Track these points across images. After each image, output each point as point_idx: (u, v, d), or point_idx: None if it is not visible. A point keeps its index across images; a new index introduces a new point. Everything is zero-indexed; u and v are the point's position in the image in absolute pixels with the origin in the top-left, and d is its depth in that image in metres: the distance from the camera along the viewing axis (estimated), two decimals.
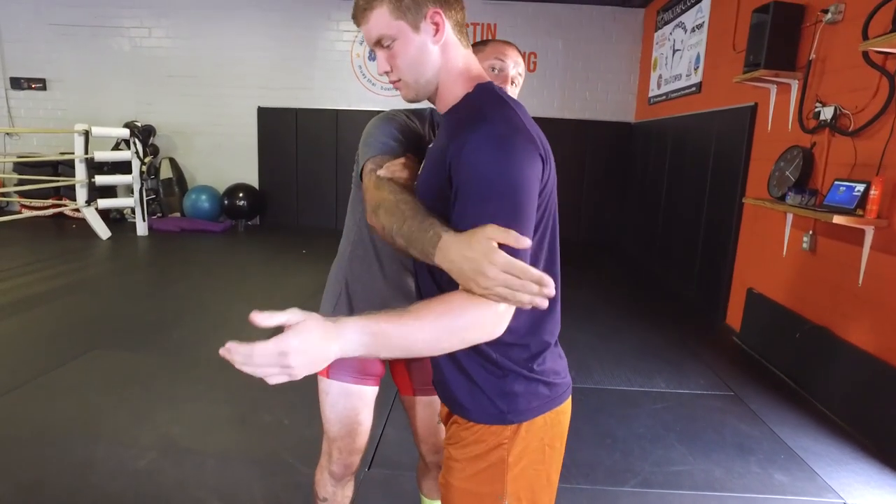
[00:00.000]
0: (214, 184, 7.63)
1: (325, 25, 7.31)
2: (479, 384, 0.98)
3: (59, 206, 7.01)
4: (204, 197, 7.43)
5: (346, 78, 7.40)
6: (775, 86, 3.58)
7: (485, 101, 0.94)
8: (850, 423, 2.72)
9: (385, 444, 2.42)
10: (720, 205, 4.33)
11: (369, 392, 1.41)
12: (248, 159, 7.71)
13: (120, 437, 2.39)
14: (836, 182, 2.90)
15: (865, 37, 2.65)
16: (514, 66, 1.30)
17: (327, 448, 1.45)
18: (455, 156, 0.86)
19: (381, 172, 1.06)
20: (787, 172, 3.33)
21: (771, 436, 2.65)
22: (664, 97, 5.87)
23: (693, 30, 5.07)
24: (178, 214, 7.70)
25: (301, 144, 7.59)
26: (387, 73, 0.99)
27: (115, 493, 2.03)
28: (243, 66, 7.48)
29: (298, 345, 0.74)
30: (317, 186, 7.68)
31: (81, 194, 6.32)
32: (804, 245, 3.23)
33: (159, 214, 7.59)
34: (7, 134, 7.77)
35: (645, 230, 6.26)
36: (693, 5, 5.07)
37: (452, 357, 0.98)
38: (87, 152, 6.26)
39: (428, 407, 1.48)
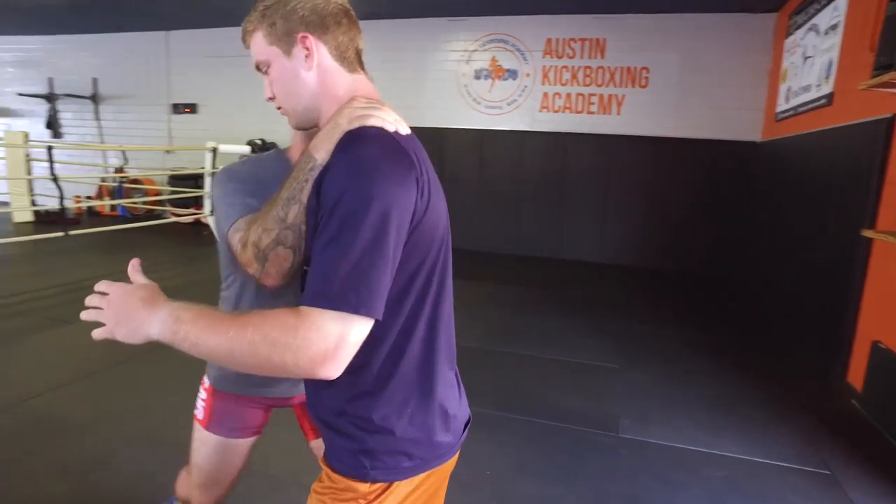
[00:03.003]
0: None
1: (433, 46, 7.47)
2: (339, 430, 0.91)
3: (197, 214, 7.93)
4: None
5: (452, 96, 7.47)
6: None
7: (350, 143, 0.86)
8: None
9: None
10: (842, 240, 3.59)
11: (247, 442, 1.38)
12: None
13: (139, 432, 2.53)
14: None
15: None
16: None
17: (196, 480, 1.41)
18: (320, 181, 0.83)
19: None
20: None
21: None
22: (792, 112, 5.07)
23: (827, 32, 4.33)
24: None
25: None
26: (270, 99, 0.98)
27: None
28: None
29: (120, 294, 0.84)
30: None
31: (207, 204, 7.06)
32: None
33: None
34: (166, 152, 9.01)
35: (759, 263, 5.44)
36: (830, 2, 4.33)
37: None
38: (214, 167, 6.99)
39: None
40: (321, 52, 0.91)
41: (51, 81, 9.58)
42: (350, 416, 0.87)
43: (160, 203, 8.70)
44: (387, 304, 0.78)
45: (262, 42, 0.93)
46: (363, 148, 0.80)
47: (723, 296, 5.80)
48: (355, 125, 0.86)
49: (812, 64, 4.61)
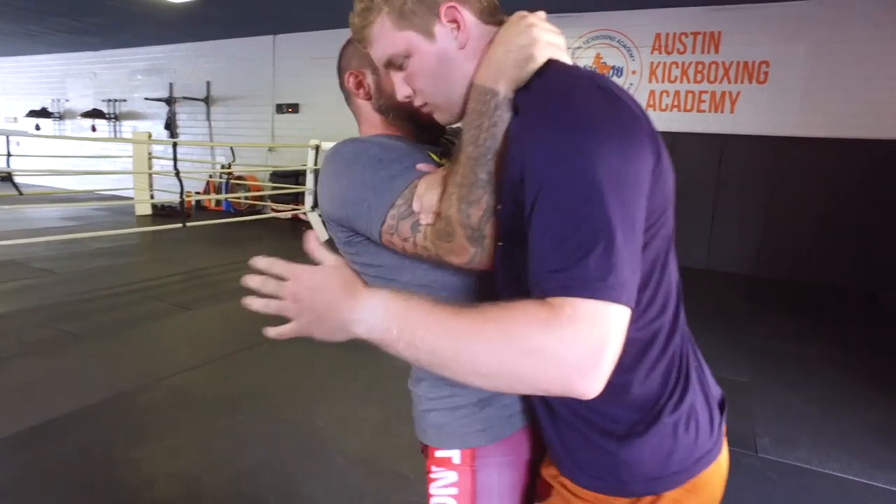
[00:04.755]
0: None
1: None
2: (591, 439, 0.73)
3: (297, 210, 8.26)
4: None
5: None
6: None
7: (557, 76, 0.68)
8: None
9: None
10: None
11: None
12: None
13: (274, 415, 2.60)
14: None
15: None
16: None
17: None
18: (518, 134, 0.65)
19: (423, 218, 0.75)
20: None
21: None
22: None
23: None
24: None
25: None
26: (408, 98, 0.79)
27: (254, 465, 2.19)
28: None
29: (313, 283, 0.65)
30: None
31: (309, 200, 7.33)
32: None
33: None
34: (269, 149, 9.46)
35: None
36: None
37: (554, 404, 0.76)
38: (316, 164, 7.24)
39: None
40: (468, 19, 0.72)
41: (171, 86, 10.35)
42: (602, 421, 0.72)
43: (262, 199, 9.16)
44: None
45: (392, 30, 0.73)
46: (575, 94, 0.63)
47: (870, 313, 5.23)
48: (544, 56, 0.68)
49: None
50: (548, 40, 0.70)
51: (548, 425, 0.78)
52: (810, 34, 5.93)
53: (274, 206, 8.83)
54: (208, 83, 9.96)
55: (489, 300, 0.61)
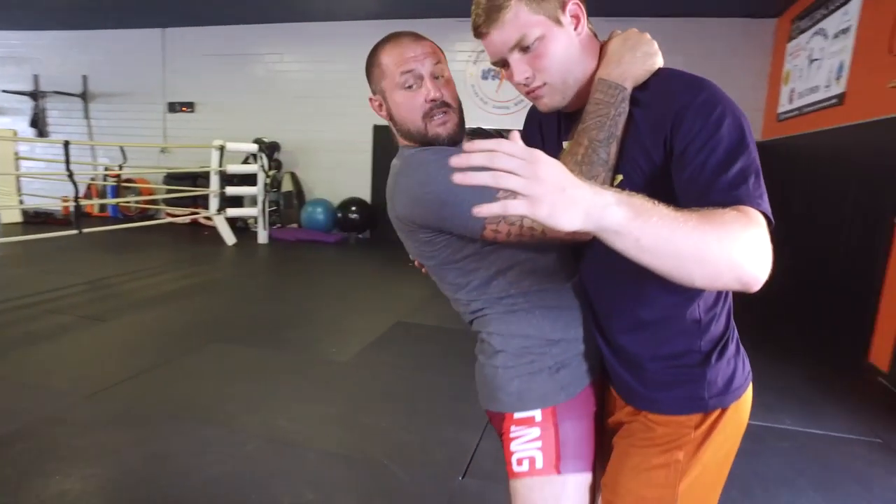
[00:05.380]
0: (330, 197, 8.08)
1: (441, 46, 7.51)
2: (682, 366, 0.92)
3: (196, 213, 7.81)
4: (320, 210, 7.89)
5: (460, 96, 7.54)
6: None
7: (678, 73, 0.88)
8: None
9: (480, 455, 2.36)
10: (866, 229, 3.83)
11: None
12: (363, 175, 8.10)
13: (233, 424, 2.54)
14: None
15: None
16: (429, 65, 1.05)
17: None
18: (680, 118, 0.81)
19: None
20: None
21: None
22: (796, 112, 5.35)
23: (836, 35, 4.60)
24: (295, 225, 8.25)
25: None
26: (527, 80, 0.89)
27: (221, 475, 2.15)
28: (362, 87, 7.82)
29: (549, 160, 0.62)
30: None
31: (214, 203, 6.98)
32: None
33: (279, 225, 8.16)
34: (161, 151, 8.83)
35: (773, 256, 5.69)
36: (838, 8, 4.60)
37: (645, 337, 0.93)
38: (221, 165, 6.91)
39: None
40: (584, 20, 0.88)
41: (36, 79, 9.28)
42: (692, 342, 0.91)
43: (155, 203, 8.52)
44: None
45: (527, 12, 0.84)
46: (704, 80, 0.84)
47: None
48: (660, 63, 0.89)
49: (819, 66, 4.88)
50: (654, 51, 0.89)
51: (625, 373, 0.96)
52: (685, 48, 6.70)
53: (169, 210, 8.27)
54: (84, 77, 9.08)
55: (563, 269, 0.93)
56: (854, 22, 4.32)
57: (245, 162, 7.71)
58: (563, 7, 0.86)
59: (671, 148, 0.81)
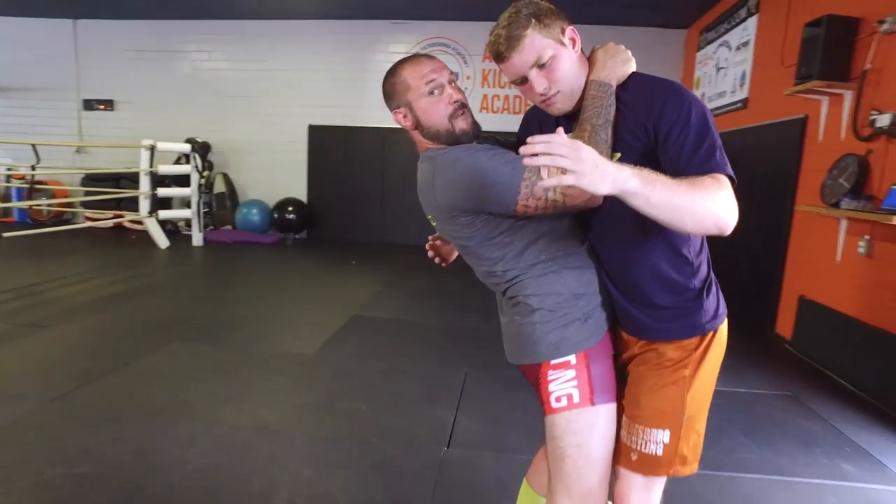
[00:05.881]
0: (265, 198, 7.95)
1: (375, 48, 7.65)
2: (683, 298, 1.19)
3: (120, 217, 7.40)
4: (255, 211, 7.76)
5: None
6: (827, 97, 3.68)
7: (650, 76, 1.17)
8: None
9: (458, 428, 2.55)
10: (769, 217, 4.39)
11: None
12: (298, 175, 8.04)
13: (214, 417, 2.57)
14: (893, 187, 2.97)
15: None
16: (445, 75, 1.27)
17: (592, 481, 1.18)
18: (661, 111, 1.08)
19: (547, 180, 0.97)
20: (841, 180, 3.41)
21: (834, 431, 2.70)
22: None
23: (738, 48, 5.20)
24: (229, 227, 8.04)
25: (349, 161, 7.89)
26: (545, 90, 1.13)
27: (214, 464, 2.20)
28: (296, 87, 7.85)
29: (586, 147, 0.87)
30: (363, 202, 7.95)
31: (144, 206, 6.68)
32: (860, 250, 3.29)
33: (212, 227, 7.93)
34: (77, 151, 8.28)
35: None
36: (738, 24, 5.21)
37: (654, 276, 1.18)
38: (151, 166, 6.64)
39: None
40: (579, 38, 1.16)
41: None
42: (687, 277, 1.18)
43: (71, 206, 7.99)
44: None
45: (539, 38, 1.09)
46: (672, 81, 1.13)
47: None
48: (634, 67, 1.18)
49: (725, 74, 5.49)
50: (629, 58, 1.20)
51: (638, 313, 1.19)
52: None
53: (89, 213, 7.79)
54: None
55: (577, 236, 1.22)
56: (752, 36, 4.92)
57: (177, 162, 7.44)
58: (563, 32, 1.13)
59: (655, 133, 1.09)
